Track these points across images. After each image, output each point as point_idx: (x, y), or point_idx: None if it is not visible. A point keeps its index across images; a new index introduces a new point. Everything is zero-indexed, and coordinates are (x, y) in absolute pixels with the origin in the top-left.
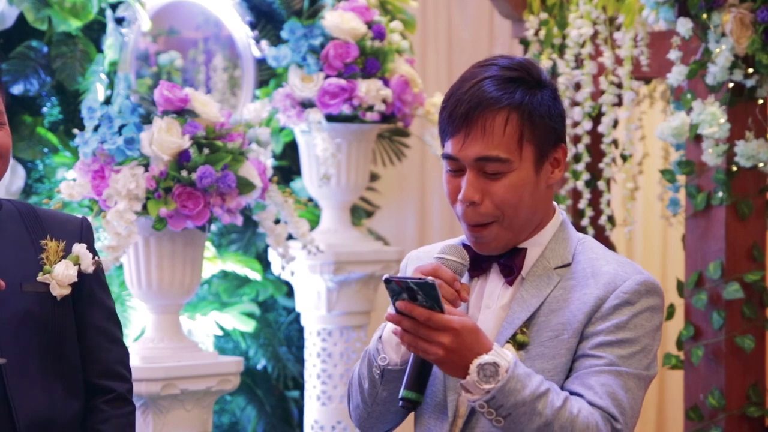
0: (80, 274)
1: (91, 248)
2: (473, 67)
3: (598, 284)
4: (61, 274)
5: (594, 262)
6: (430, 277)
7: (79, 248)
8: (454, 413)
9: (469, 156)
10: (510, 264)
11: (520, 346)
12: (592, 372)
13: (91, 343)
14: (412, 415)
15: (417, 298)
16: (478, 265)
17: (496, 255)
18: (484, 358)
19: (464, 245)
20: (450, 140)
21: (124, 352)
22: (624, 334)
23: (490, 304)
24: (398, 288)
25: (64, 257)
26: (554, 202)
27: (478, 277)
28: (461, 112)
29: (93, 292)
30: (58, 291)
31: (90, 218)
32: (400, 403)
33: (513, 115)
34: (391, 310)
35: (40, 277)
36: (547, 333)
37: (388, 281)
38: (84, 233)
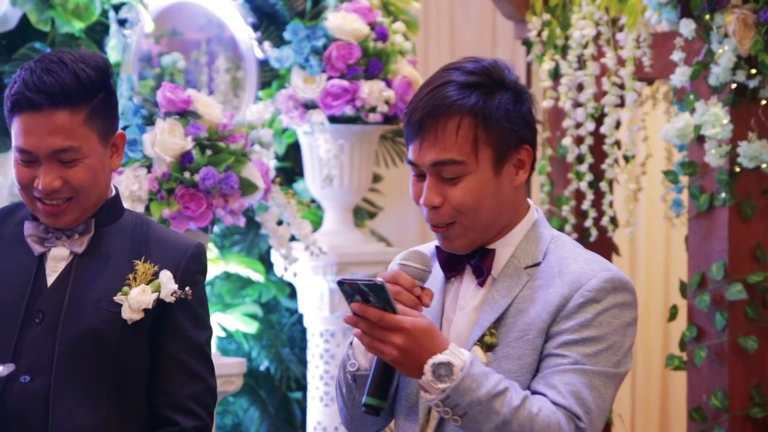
0: (163, 303)
1: (189, 278)
2: (440, 71)
3: (564, 283)
4: (134, 298)
5: (563, 260)
6: (379, 278)
7: (164, 275)
8: (425, 415)
9: (426, 162)
10: (480, 265)
11: (488, 348)
12: (556, 371)
13: (165, 374)
14: None
15: (370, 300)
16: (453, 267)
17: (468, 256)
18: (438, 358)
19: (437, 247)
20: (410, 146)
21: (203, 390)
22: (589, 333)
23: (463, 306)
24: (350, 290)
25: (151, 281)
26: (530, 201)
27: (453, 279)
28: (416, 119)
29: (178, 325)
30: (128, 314)
31: None
32: (363, 409)
33: (465, 120)
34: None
35: (117, 297)
36: (514, 333)
37: (340, 283)
38: (187, 261)
